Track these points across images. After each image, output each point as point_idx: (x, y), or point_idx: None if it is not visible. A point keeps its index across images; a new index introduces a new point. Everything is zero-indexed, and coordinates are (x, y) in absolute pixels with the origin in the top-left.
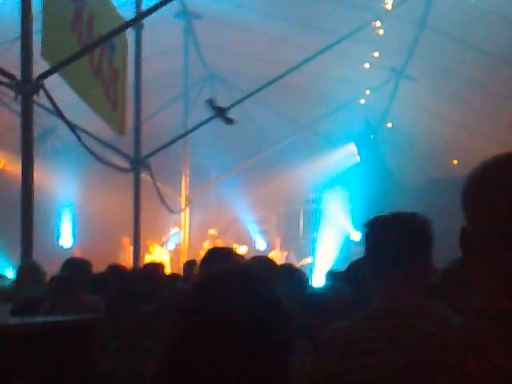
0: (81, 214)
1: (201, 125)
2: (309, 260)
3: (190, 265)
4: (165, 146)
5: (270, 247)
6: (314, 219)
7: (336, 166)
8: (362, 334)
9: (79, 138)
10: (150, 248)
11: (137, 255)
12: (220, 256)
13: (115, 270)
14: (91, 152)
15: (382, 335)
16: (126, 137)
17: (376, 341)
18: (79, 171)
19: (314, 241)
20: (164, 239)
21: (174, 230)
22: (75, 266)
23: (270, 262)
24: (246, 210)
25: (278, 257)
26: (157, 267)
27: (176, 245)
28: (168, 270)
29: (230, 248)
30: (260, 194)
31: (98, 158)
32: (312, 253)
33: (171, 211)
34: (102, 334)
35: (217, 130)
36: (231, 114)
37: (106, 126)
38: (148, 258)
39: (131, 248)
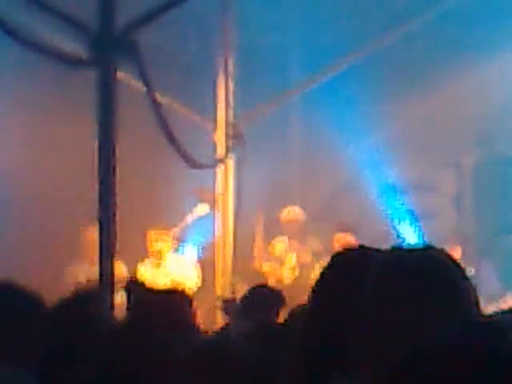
0: None
1: None
2: None
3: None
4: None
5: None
6: None
7: None
8: None
9: None
10: (156, 246)
11: (108, 269)
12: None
13: (63, 310)
14: None
15: None
16: None
17: None
18: None
19: None
20: (177, 232)
21: (197, 211)
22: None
23: None
24: (375, 162)
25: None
26: (172, 304)
27: (201, 247)
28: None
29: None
30: (410, 122)
31: (15, 35)
32: None
33: (191, 165)
34: None
35: None
36: None
37: None
38: (147, 273)
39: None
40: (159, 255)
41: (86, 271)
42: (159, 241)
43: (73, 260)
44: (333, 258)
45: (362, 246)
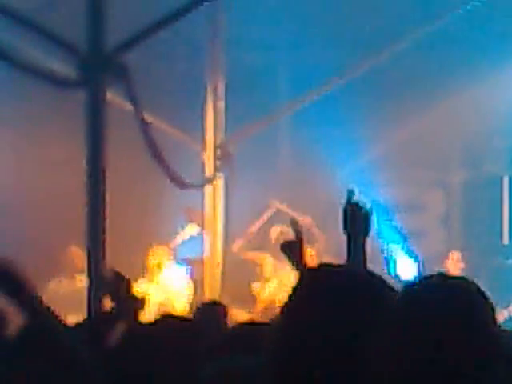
0: None
1: None
2: None
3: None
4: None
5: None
6: None
7: None
8: None
9: None
10: (153, 260)
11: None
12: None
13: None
14: None
15: None
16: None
17: None
18: None
19: None
20: (172, 247)
21: (187, 231)
22: None
23: None
24: (364, 183)
25: None
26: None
27: (189, 267)
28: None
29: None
30: (398, 142)
31: (2, 55)
32: None
33: (179, 185)
34: None
35: None
36: None
37: None
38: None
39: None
40: (157, 269)
41: (65, 287)
42: (157, 255)
43: (53, 276)
44: (302, 277)
45: (329, 264)
